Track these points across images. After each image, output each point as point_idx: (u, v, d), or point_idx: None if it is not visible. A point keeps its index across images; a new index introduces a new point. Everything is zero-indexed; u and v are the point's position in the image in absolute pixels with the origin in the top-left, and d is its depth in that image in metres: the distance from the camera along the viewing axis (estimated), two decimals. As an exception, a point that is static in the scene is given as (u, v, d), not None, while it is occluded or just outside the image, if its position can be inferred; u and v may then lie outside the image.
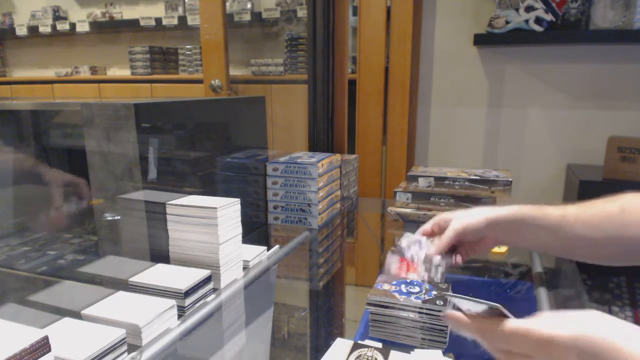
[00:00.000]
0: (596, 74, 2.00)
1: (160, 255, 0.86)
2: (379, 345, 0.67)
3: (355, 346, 0.64)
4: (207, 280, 0.80)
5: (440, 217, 0.84)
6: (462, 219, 0.79)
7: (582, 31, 1.91)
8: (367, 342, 0.68)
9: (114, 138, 0.92)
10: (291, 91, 2.76)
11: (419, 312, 0.70)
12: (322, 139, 1.71)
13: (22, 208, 1.23)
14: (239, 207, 0.86)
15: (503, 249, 1.13)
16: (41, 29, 3.61)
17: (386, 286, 0.76)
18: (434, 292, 0.74)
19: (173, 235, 0.85)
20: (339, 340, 0.66)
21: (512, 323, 0.50)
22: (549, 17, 1.88)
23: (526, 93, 2.11)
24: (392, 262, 0.83)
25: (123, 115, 0.91)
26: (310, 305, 0.97)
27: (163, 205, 0.84)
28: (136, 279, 0.77)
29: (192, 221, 0.82)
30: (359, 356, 0.62)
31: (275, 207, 1.32)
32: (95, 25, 3.51)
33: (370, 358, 0.62)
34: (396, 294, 0.73)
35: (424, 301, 0.71)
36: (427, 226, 0.86)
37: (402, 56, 2.06)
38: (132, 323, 0.64)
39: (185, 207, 0.82)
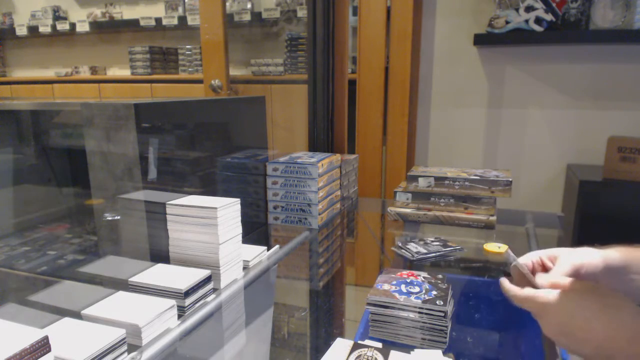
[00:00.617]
0: (596, 74, 2.00)
1: (160, 255, 0.86)
2: (379, 345, 0.67)
3: (355, 346, 0.64)
4: (207, 280, 0.80)
5: (541, 252, 0.71)
6: (577, 256, 0.67)
7: (582, 31, 1.91)
8: (367, 342, 0.68)
9: (114, 138, 0.92)
10: (291, 91, 2.76)
11: (419, 312, 0.70)
12: (322, 139, 1.71)
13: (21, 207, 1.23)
14: (239, 207, 0.86)
15: (503, 248, 1.12)
16: (41, 29, 3.61)
17: (386, 286, 0.76)
18: (434, 292, 0.74)
19: (173, 235, 0.85)
20: (339, 340, 0.66)
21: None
22: (549, 17, 1.88)
23: (526, 93, 2.11)
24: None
25: (123, 115, 0.91)
26: (310, 305, 0.97)
27: (163, 205, 0.84)
28: (136, 279, 0.77)
29: (192, 221, 0.82)
30: (359, 356, 0.62)
31: (275, 207, 1.32)
32: (95, 25, 3.51)
33: (370, 358, 0.62)
34: (396, 294, 0.73)
35: (424, 301, 0.71)
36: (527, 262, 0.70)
37: (402, 56, 2.06)
38: (132, 323, 0.64)
39: (185, 207, 0.82)
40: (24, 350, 0.46)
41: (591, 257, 0.66)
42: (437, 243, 1.15)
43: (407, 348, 0.67)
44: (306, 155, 1.39)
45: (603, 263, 0.65)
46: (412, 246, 1.12)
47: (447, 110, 2.24)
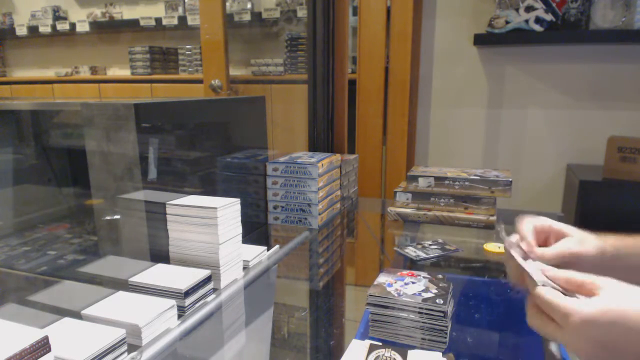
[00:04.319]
0: (596, 74, 2.00)
1: (160, 255, 0.86)
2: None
3: (372, 347, 0.64)
4: (207, 280, 0.80)
5: (533, 221, 0.70)
6: (577, 243, 0.67)
7: (582, 31, 1.91)
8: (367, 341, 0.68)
9: (114, 138, 0.92)
10: (291, 91, 2.76)
11: (419, 312, 0.70)
12: (322, 139, 1.71)
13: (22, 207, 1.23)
14: (239, 207, 0.86)
15: (503, 249, 1.12)
16: (41, 29, 3.61)
17: (386, 286, 0.76)
18: (434, 292, 0.74)
19: (173, 235, 0.85)
20: (354, 342, 0.66)
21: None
22: (549, 17, 1.88)
23: (526, 93, 2.11)
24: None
25: (123, 115, 0.91)
26: (310, 305, 0.97)
27: (163, 205, 0.84)
28: (136, 279, 0.77)
29: (192, 221, 0.82)
30: (377, 357, 0.62)
31: (275, 207, 1.32)
32: (95, 25, 3.51)
33: (388, 358, 0.62)
34: (396, 294, 0.73)
35: (424, 301, 0.71)
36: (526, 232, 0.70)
37: (402, 56, 2.06)
38: (132, 323, 0.64)
39: (185, 207, 0.82)
40: (24, 350, 0.46)
41: (587, 247, 0.66)
42: (435, 246, 1.15)
43: (407, 348, 0.67)
44: (306, 155, 1.39)
45: (599, 254, 0.66)
46: (411, 250, 1.12)
47: (447, 110, 2.24)
